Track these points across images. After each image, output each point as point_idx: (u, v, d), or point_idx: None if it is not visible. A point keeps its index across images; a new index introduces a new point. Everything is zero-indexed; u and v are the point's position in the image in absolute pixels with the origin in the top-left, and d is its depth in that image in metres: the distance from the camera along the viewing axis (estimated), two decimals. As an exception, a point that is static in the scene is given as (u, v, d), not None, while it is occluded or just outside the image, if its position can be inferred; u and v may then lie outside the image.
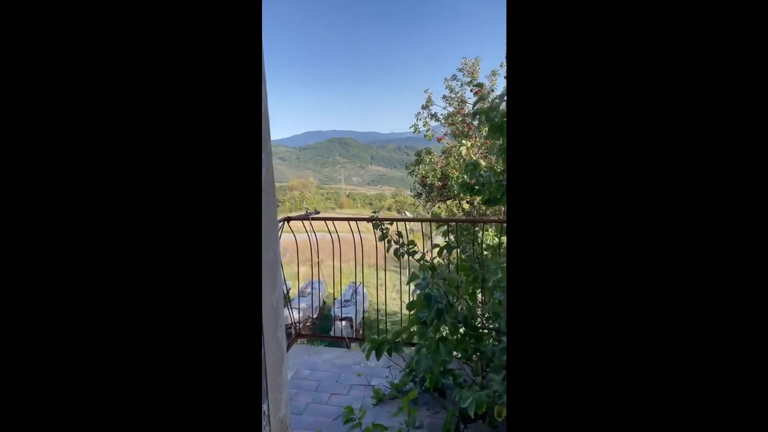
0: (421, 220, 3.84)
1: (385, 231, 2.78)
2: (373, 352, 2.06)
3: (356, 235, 2.82)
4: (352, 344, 3.07)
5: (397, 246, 2.68)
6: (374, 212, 2.80)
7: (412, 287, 2.20)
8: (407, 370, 2.45)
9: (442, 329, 1.96)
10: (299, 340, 2.89)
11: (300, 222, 2.74)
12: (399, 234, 2.70)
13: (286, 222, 2.63)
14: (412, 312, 2.13)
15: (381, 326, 7.08)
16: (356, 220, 2.60)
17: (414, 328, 2.24)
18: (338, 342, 3.43)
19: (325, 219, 2.65)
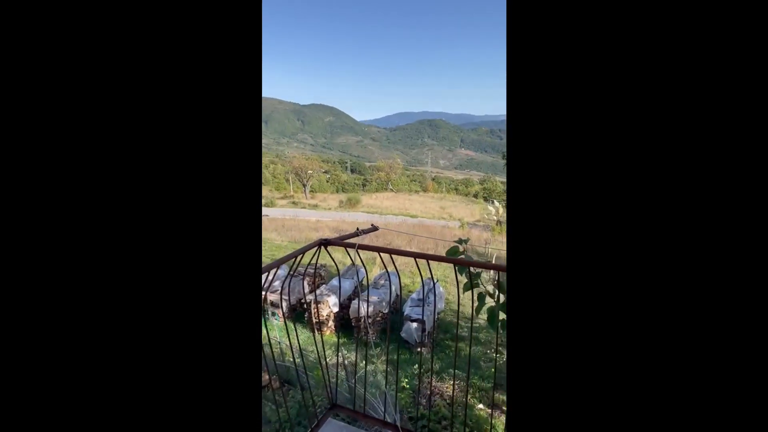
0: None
1: (475, 274, 1.79)
2: None
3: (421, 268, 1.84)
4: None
5: (494, 304, 1.68)
6: (460, 242, 1.82)
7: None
8: None
9: None
10: (334, 412, 2.11)
11: (363, 233, 1.81)
12: (497, 284, 1.69)
13: (322, 247, 1.68)
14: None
15: (457, 332, 6.26)
16: (427, 258, 1.60)
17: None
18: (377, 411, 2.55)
19: (379, 250, 1.65)
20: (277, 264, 1.27)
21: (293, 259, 1.56)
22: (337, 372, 2.25)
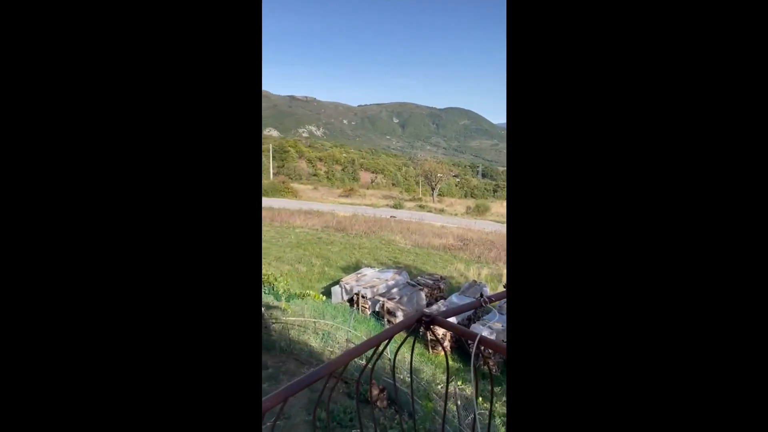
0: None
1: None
2: None
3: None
4: None
5: None
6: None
7: None
8: None
9: None
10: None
11: (487, 300, 1.20)
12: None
13: (421, 326, 1.01)
14: None
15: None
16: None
17: None
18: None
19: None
20: (362, 349, 0.95)
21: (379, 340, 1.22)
22: (445, 405, 1.82)
